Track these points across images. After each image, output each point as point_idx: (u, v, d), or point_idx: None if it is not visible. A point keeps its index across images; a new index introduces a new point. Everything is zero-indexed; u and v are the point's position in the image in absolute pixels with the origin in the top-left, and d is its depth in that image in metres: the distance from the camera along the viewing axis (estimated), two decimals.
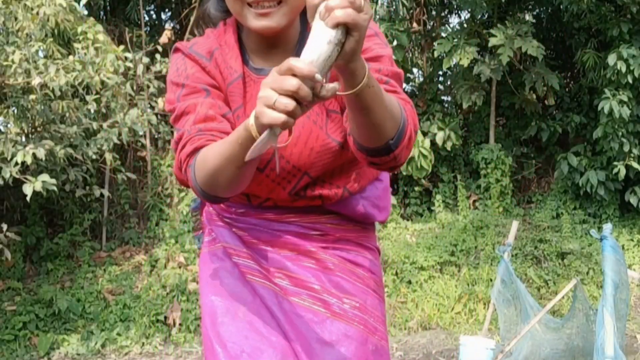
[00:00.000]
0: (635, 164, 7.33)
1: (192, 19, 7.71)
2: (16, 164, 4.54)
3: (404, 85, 9.05)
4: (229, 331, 1.31)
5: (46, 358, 5.16)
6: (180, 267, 6.37)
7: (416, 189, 8.30)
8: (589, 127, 8.10)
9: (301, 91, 0.90)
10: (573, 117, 8.25)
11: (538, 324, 4.53)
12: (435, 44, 8.21)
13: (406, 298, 6.34)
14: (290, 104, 0.90)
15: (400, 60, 7.89)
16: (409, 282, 6.52)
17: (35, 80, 4.68)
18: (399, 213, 7.98)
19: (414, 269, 6.60)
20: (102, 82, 5.23)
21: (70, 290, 5.97)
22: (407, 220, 8.07)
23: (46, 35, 5.33)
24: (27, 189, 4.45)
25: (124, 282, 6.14)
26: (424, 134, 8.01)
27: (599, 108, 7.21)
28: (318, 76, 0.90)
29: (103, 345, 5.35)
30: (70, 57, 5.19)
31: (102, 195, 5.89)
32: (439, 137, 8.02)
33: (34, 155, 4.57)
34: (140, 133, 6.00)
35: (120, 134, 5.39)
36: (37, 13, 4.97)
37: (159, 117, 6.98)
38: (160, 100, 6.62)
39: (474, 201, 8.23)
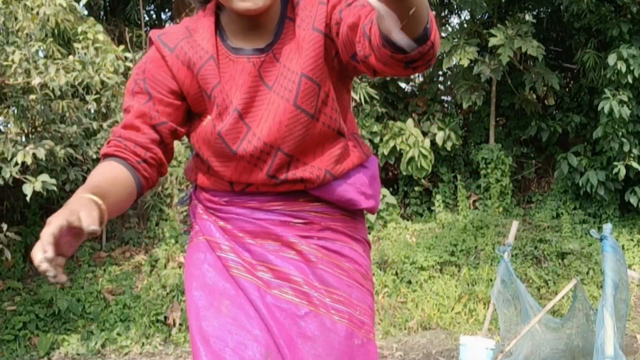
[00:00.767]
0: (635, 164, 7.33)
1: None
2: (16, 164, 4.54)
3: (404, 85, 9.07)
4: (212, 326, 1.29)
5: (46, 358, 5.16)
6: (180, 267, 6.37)
7: (416, 189, 8.30)
8: (589, 127, 8.10)
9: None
10: (573, 117, 8.25)
11: (538, 324, 4.53)
12: None
13: (406, 298, 6.35)
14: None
15: None
16: (409, 282, 6.52)
17: (35, 80, 4.68)
18: (399, 213, 7.98)
19: (414, 269, 6.60)
20: (102, 82, 5.22)
21: (70, 290, 5.97)
22: (407, 220, 8.07)
23: (46, 35, 5.33)
24: (27, 189, 4.45)
25: (124, 282, 6.14)
26: (424, 134, 8.02)
27: (599, 108, 7.21)
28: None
29: (103, 345, 5.35)
30: (70, 57, 5.19)
31: None
32: (439, 137, 8.02)
33: (34, 155, 4.57)
34: None
35: None
36: (37, 13, 4.97)
37: None
38: None
39: (474, 201, 8.23)
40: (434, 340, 5.71)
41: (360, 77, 8.05)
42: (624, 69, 6.96)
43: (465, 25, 8.61)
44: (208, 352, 1.26)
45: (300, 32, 1.26)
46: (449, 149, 8.13)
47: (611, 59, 7.05)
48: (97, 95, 5.48)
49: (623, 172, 7.31)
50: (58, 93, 5.05)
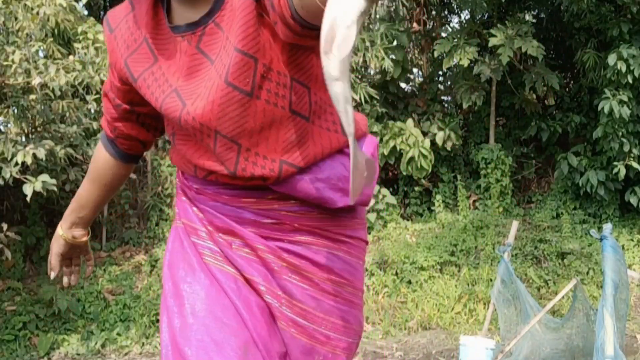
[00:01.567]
0: (635, 164, 7.33)
1: None
2: (16, 164, 4.54)
3: (404, 85, 9.07)
4: (185, 333, 1.16)
5: (46, 358, 5.16)
6: None
7: (416, 189, 8.30)
8: (589, 127, 8.10)
9: None
10: (573, 117, 8.25)
11: (538, 324, 4.53)
12: (435, 44, 8.21)
13: (406, 298, 6.35)
14: None
15: (400, 60, 7.90)
16: (409, 282, 6.52)
17: (36, 80, 4.68)
18: (399, 213, 7.98)
19: (414, 269, 6.60)
20: (102, 82, 5.22)
21: (70, 290, 5.97)
22: (407, 220, 8.07)
23: (46, 35, 5.33)
24: (28, 189, 4.45)
25: (124, 282, 6.14)
26: (424, 134, 8.02)
27: (599, 108, 7.21)
28: None
29: (103, 345, 5.35)
30: (71, 57, 5.19)
31: None
32: (439, 137, 8.02)
33: (34, 155, 4.57)
34: None
35: None
36: (37, 13, 4.97)
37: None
38: None
39: (474, 201, 8.23)
40: (434, 340, 5.71)
41: (360, 76, 8.05)
42: (624, 69, 6.96)
43: (465, 25, 8.62)
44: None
45: None
46: (449, 149, 8.13)
47: (611, 59, 7.05)
48: (97, 95, 5.48)
49: (623, 172, 7.31)
50: (58, 93, 5.05)
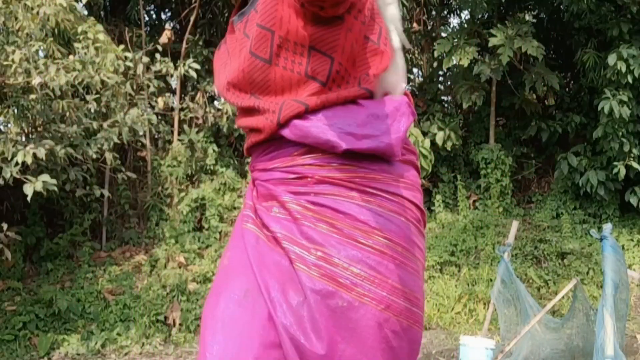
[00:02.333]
0: (635, 164, 7.33)
1: (191, 18, 7.72)
2: (16, 163, 4.54)
3: (404, 85, 9.06)
4: (212, 289, 1.32)
5: (46, 358, 5.16)
6: (180, 267, 6.37)
7: None
8: (589, 127, 8.10)
9: None
10: (573, 117, 8.25)
11: (538, 324, 4.53)
12: (435, 44, 8.21)
13: None
14: None
15: None
16: None
17: (36, 80, 4.68)
18: None
19: None
20: (102, 82, 5.23)
21: (70, 290, 5.97)
22: None
23: (46, 35, 5.32)
24: (28, 189, 4.44)
25: (124, 282, 6.14)
26: (424, 134, 8.02)
27: (599, 108, 7.21)
28: None
29: (103, 345, 5.35)
30: (71, 57, 5.19)
31: (102, 195, 5.89)
32: (439, 137, 8.02)
33: (34, 155, 4.57)
34: (140, 133, 6.00)
35: (120, 134, 5.40)
36: (37, 13, 4.97)
37: (158, 116, 6.98)
38: (160, 100, 6.63)
39: (474, 201, 8.23)
40: (434, 340, 5.71)
41: None
42: (624, 69, 6.96)
43: (465, 25, 8.61)
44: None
45: None
46: (449, 149, 8.13)
47: (611, 59, 7.05)
48: (97, 95, 5.48)
49: (623, 172, 7.31)
50: (58, 93, 5.05)
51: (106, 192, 6.00)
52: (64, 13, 5.28)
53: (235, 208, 7.18)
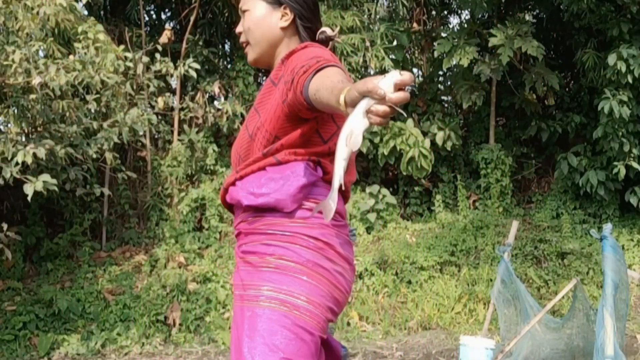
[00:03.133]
0: (635, 164, 7.33)
1: (191, 18, 7.72)
2: (17, 163, 4.54)
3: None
4: None
5: (46, 358, 5.16)
6: (180, 267, 6.37)
7: (416, 189, 8.30)
8: (589, 127, 8.10)
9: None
10: (573, 117, 8.25)
11: (538, 324, 4.53)
12: (435, 44, 8.22)
13: (406, 298, 6.35)
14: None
15: (400, 60, 7.90)
16: (409, 282, 6.52)
17: (36, 80, 4.68)
18: (399, 213, 7.98)
19: (414, 269, 6.60)
20: (102, 82, 5.22)
21: (70, 290, 5.97)
22: (407, 220, 8.07)
23: (46, 35, 5.32)
24: (28, 189, 4.44)
25: (124, 282, 6.14)
26: (424, 134, 8.02)
27: (599, 108, 7.21)
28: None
29: (103, 345, 5.35)
30: (71, 57, 5.19)
31: (102, 195, 5.89)
32: (439, 137, 8.02)
33: (34, 155, 4.56)
34: (140, 133, 6.00)
35: (120, 134, 5.40)
36: (38, 13, 4.96)
37: (158, 116, 6.98)
38: (160, 100, 6.62)
39: (474, 201, 8.23)
40: (434, 340, 5.71)
41: (360, 76, 8.04)
42: (624, 69, 6.96)
43: (465, 25, 8.61)
44: None
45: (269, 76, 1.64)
46: (449, 149, 8.13)
47: (611, 59, 7.05)
48: (97, 95, 5.48)
49: (623, 172, 7.31)
50: (58, 93, 5.05)
51: (106, 191, 6.00)
52: (64, 13, 5.28)
53: None
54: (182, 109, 7.52)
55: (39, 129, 5.54)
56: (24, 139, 5.59)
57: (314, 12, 1.74)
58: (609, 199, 7.74)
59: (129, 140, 5.74)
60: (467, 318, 6.15)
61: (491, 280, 6.36)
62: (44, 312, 5.53)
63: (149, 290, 5.96)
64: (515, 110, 8.71)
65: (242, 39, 1.72)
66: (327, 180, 1.56)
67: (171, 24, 8.56)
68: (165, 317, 5.70)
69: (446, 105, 9.33)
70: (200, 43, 7.91)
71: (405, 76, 1.14)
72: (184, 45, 7.70)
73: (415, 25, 8.99)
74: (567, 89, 8.91)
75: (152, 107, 6.60)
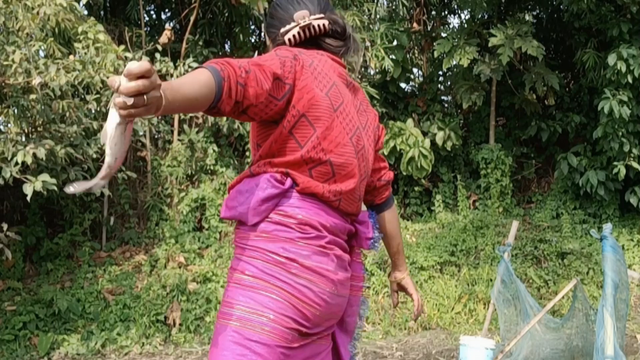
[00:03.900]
0: (635, 164, 7.33)
1: (191, 18, 7.72)
2: (16, 163, 4.54)
3: (404, 85, 9.07)
4: None
5: (46, 358, 5.16)
6: (180, 267, 6.37)
7: (416, 189, 8.30)
8: (589, 127, 8.10)
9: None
10: (573, 117, 8.25)
11: (538, 324, 4.53)
12: (435, 44, 8.21)
13: (406, 298, 6.34)
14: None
15: (400, 60, 7.90)
16: None
17: (36, 80, 4.68)
18: (399, 213, 7.98)
19: (414, 269, 6.60)
20: (103, 82, 5.22)
21: (70, 290, 5.97)
22: (407, 220, 8.07)
23: (46, 35, 5.32)
24: (28, 189, 4.44)
25: (124, 282, 6.13)
26: (424, 134, 8.02)
27: (599, 108, 7.21)
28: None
29: (103, 345, 5.35)
30: (71, 57, 5.19)
31: (102, 195, 5.89)
32: (439, 137, 8.02)
33: (34, 155, 4.56)
34: (140, 132, 6.00)
35: None
36: (38, 13, 4.97)
37: (159, 116, 6.98)
38: None
39: (474, 201, 8.23)
40: (434, 340, 5.71)
41: (360, 76, 8.05)
42: (624, 69, 6.96)
43: (465, 25, 8.61)
44: None
45: None
46: (449, 149, 8.13)
47: (611, 59, 7.05)
48: (98, 95, 5.48)
49: (623, 172, 7.31)
50: (58, 93, 5.05)
51: (106, 192, 6.00)
52: (64, 13, 5.28)
53: None
54: None
55: (39, 129, 5.54)
56: (24, 139, 5.58)
57: (280, 17, 1.72)
58: (609, 199, 7.74)
59: None
60: (467, 318, 6.15)
61: (491, 280, 6.36)
62: (44, 312, 5.53)
63: (149, 290, 5.96)
64: (515, 110, 8.71)
65: None
66: (300, 191, 1.56)
67: (171, 24, 8.55)
68: (165, 317, 5.70)
69: (446, 105, 9.33)
70: (200, 43, 7.91)
71: (132, 66, 1.11)
72: (184, 45, 7.70)
73: (415, 25, 8.99)
74: (567, 89, 8.91)
75: None
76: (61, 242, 6.51)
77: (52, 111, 5.19)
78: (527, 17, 9.08)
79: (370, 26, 8.24)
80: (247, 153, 7.94)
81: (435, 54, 8.10)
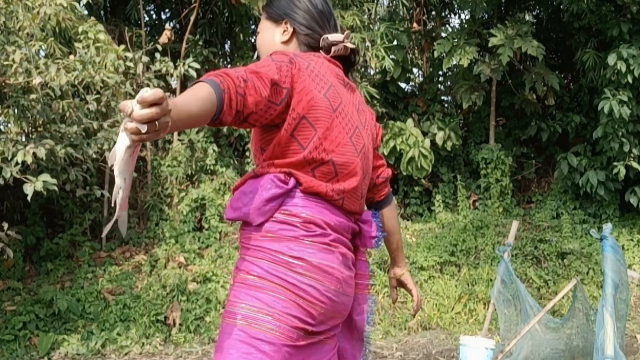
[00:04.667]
0: (635, 164, 7.33)
1: (191, 18, 7.72)
2: (17, 163, 4.54)
3: (404, 85, 9.07)
4: None
5: (46, 358, 5.16)
6: (180, 267, 6.37)
7: (416, 189, 8.30)
8: (589, 127, 8.10)
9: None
10: (573, 117, 8.25)
11: (538, 324, 4.54)
12: (435, 44, 8.21)
13: (406, 298, 6.34)
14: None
15: (400, 60, 7.90)
16: None
17: (36, 80, 4.68)
18: (399, 213, 7.98)
19: (414, 269, 6.60)
20: (103, 82, 5.22)
21: (70, 290, 5.97)
22: (407, 220, 8.07)
23: (47, 35, 5.32)
24: (28, 189, 4.44)
25: (124, 282, 6.13)
26: (424, 134, 8.02)
27: (599, 108, 7.21)
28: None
29: (103, 345, 5.35)
30: (71, 57, 5.19)
31: (102, 195, 5.89)
32: (439, 137, 8.02)
33: (34, 155, 4.56)
34: None
35: None
36: (38, 12, 4.97)
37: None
38: None
39: (474, 201, 8.23)
40: (434, 340, 5.71)
41: (360, 76, 8.05)
42: (624, 69, 6.96)
43: (465, 25, 8.61)
44: None
45: None
46: (449, 149, 8.13)
47: (611, 59, 7.05)
48: (98, 95, 5.48)
49: (623, 172, 7.31)
50: (58, 93, 5.05)
51: (106, 192, 6.00)
52: (64, 13, 5.28)
53: None
54: None
55: (39, 129, 5.54)
56: (24, 139, 5.58)
57: (319, 20, 1.76)
58: (609, 199, 7.74)
59: None
60: (467, 318, 6.15)
61: (491, 280, 6.36)
62: (44, 312, 5.53)
63: (149, 290, 5.96)
64: (515, 110, 8.71)
65: None
66: (304, 190, 1.57)
67: (171, 24, 8.55)
68: (165, 317, 5.70)
69: (446, 105, 9.33)
70: (200, 43, 7.91)
71: (146, 93, 1.11)
72: (184, 45, 7.70)
73: (415, 25, 8.99)
74: (567, 89, 8.92)
75: None
76: (61, 242, 6.51)
77: (52, 111, 5.18)
78: (527, 17, 9.08)
79: (370, 26, 8.24)
80: (247, 153, 7.94)
81: (435, 54, 8.10)
